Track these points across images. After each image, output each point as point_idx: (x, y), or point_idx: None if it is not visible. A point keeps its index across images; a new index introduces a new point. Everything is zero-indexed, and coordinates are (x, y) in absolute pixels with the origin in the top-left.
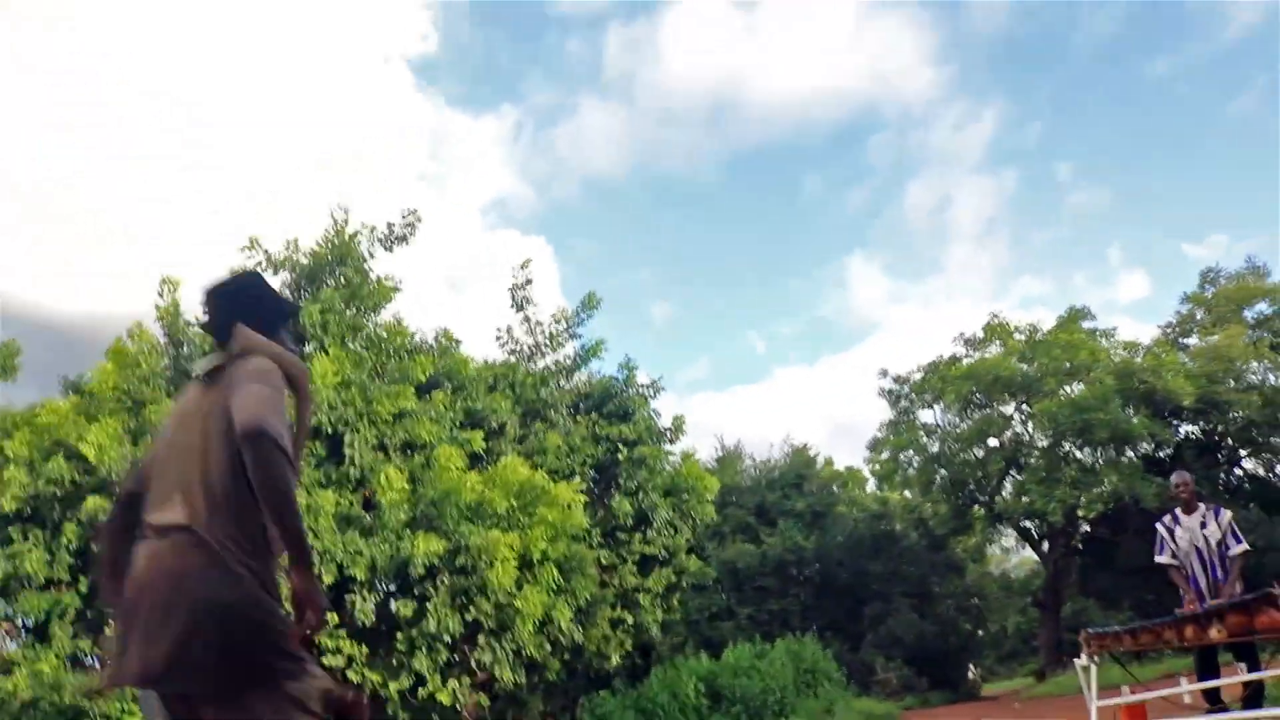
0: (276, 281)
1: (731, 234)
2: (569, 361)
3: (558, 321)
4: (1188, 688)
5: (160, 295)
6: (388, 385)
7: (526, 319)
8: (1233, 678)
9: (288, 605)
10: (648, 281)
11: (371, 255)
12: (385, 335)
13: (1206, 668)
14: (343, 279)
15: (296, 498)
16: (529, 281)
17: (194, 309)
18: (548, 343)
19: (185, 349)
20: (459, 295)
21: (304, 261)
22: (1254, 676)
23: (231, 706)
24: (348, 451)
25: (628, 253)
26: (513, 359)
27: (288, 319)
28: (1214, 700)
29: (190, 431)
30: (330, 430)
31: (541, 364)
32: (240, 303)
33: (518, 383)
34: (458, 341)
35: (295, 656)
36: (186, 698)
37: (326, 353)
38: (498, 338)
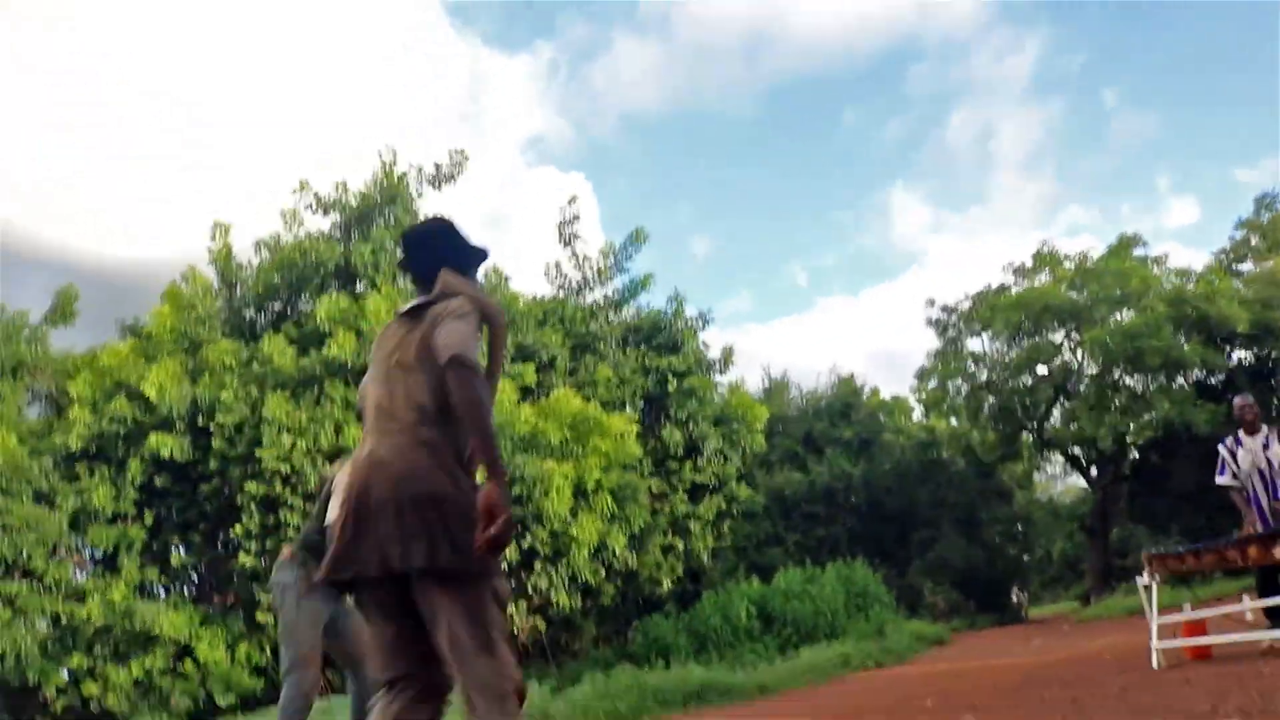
0: (326, 223)
1: (771, 167)
2: (617, 295)
3: (605, 256)
4: (1249, 604)
5: (213, 239)
6: None
7: (574, 254)
8: None
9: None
10: (688, 217)
11: (420, 195)
12: None
13: (1268, 586)
14: (392, 219)
15: (491, 417)
16: (576, 218)
17: (246, 252)
18: (595, 277)
19: (239, 290)
20: (502, 233)
21: (353, 203)
22: None
23: (446, 592)
24: None
25: (667, 188)
26: (561, 294)
27: (480, 261)
28: (1275, 618)
29: (398, 361)
30: None
31: (590, 298)
32: (438, 247)
33: (567, 317)
34: (506, 278)
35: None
36: (401, 592)
37: (379, 291)
38: (546, 273)
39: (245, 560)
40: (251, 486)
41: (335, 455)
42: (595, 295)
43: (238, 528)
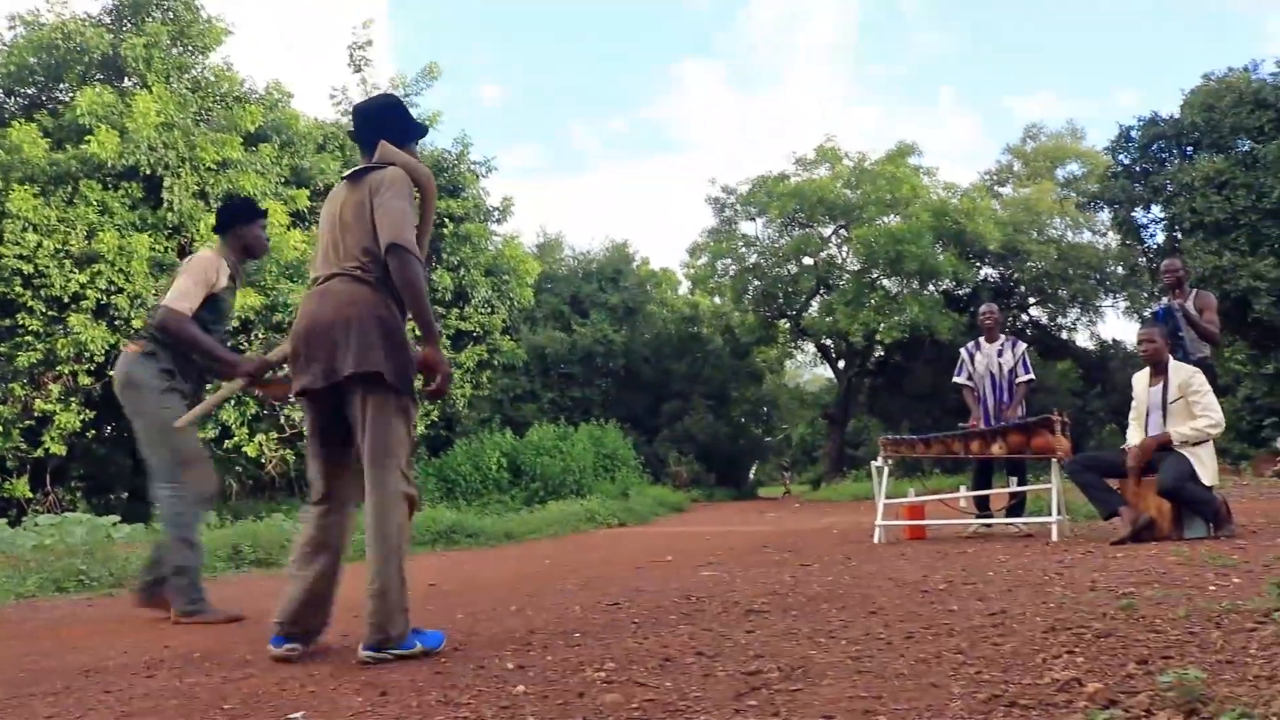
0: (96, 6)
1: (571, 24)
2: None
3: (395, 87)
4: (964, 494)
5: None
6: (213, 132)
7: (363, 81)
8: (1001, 489)
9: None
10: (483, 61)
11: None
12: (213, 79)
13: (981, 479)
14: (171, 14)
15: (426, 292)
16: (369, 42)
17: None
18: None
19: None
20: (288, 48)
21: None
22: (1020, 490)
23: (370, 400)
24: (166, 196)
25: (466, 28)
26: (345, 120)
27: (419, 137)
28: (983, 507)
29: (342, 218)
30: (149, 171)
31: None
32: (382, 120)
33: (348, 145)
34: (289, 95)
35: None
36: (340, 400)
37: (149, 90)
38: (331, 96)
39: None
40: None
41: (89, 260)
42: None
43: None
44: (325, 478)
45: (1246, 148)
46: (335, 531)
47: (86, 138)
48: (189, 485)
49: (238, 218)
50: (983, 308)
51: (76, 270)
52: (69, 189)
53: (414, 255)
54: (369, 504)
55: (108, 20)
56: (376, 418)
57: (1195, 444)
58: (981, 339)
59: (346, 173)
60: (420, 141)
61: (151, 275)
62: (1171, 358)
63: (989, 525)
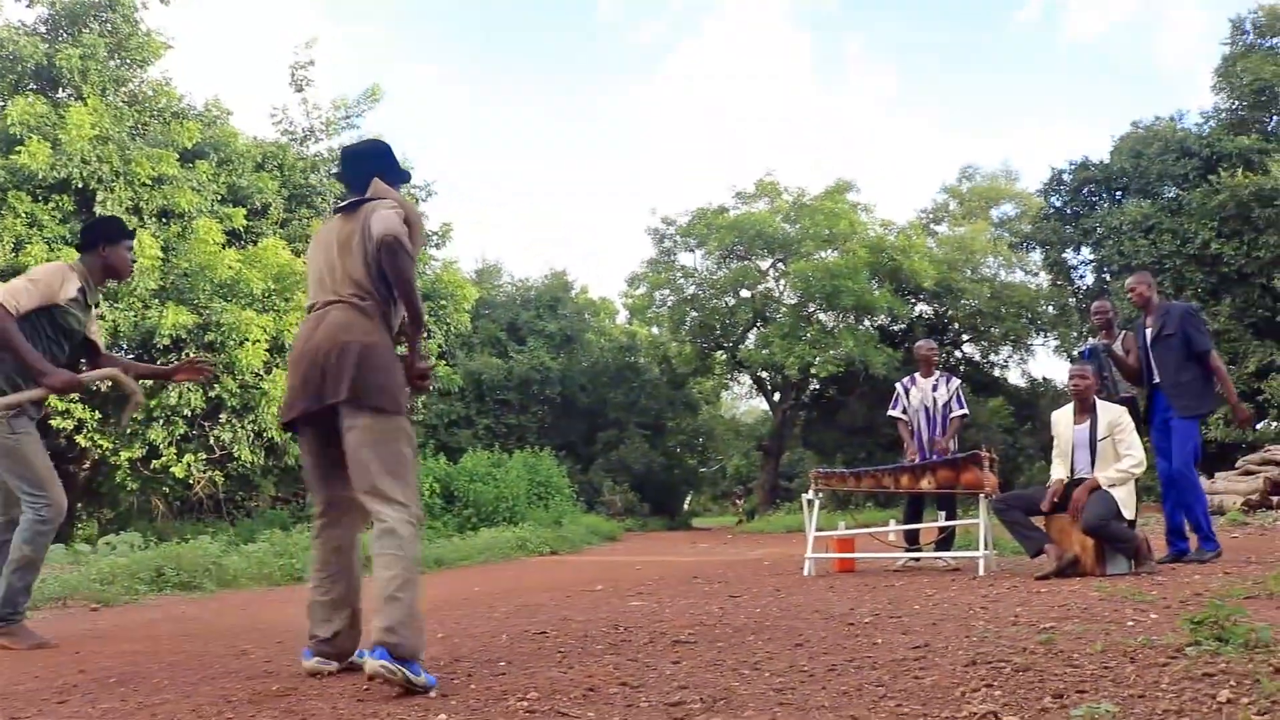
0: (31, 15)
1: (524, 49)
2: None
3: (337, 108)
4: (893, 528)
5: None
6: (149, 147)
7: (305, 100)
8: (931, 524)
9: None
10: (433, 84)
11: (144, 5)
12: (151, 94)
13: (912, 513)
14: (109, 26)
15: (417, 286)
16: (311, 62)
17: None
18: (324, 128)
19: None
20: (232, 67)
21: None
22: (949, 524)
23: (364, 423)
24: (98, 210)
25: (415, 48)
26: (285, 140)
27: (404, 181)
28: (912, 541)
29: (337, 246)
30: (81, 185)
31: (314, 149)
32: (372, 161)
33: (287, 165)
34: (228, 112)
35: (407, 400)
36: (334, 424)
37: (84, 102)
38: (272, 115)
39: None
40: None
41: (15, 273)
42: (320, 147)
43: None
44: (326, 501)
45: (1172, 194)
46: (344, 550)
47: (17, 148)
48: (53, 504)
49: (105, 236)
50: (921, 342)
51: (2, 282)
52: None
53: (405, 249)
54: (385, 519)
55: (43, 30)
56: (378, 440)
57: (1120, 484)
58: (917, 374)
59: (340, 204)
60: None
61: None
62: (1098, 397)
63: (918, 560)
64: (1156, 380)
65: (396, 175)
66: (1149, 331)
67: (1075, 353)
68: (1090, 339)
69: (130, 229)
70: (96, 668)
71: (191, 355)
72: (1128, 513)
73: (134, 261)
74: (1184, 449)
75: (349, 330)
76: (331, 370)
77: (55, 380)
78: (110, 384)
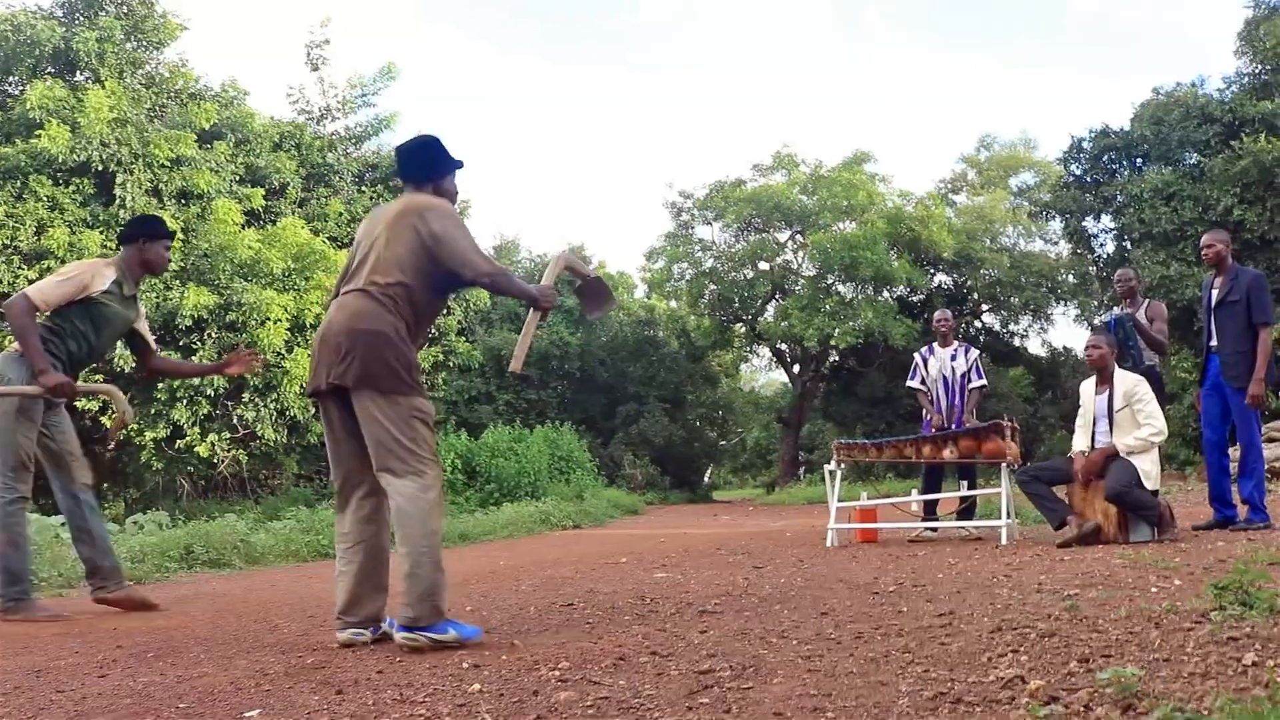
0: (46, 1)
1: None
2: (360, 129)
3: (353, 87)
4: (915, 498)
5: None
6: (167, 129)
7: (321, 80)
8: (950, 494)
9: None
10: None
11: None
12: (168, 75)
13: (931, 483)
14: (125, 9)
15: (511, 282)
16: (326, 41)
17: None
18: (340, 107)
19: None
20: (249, 48)
21: None
22: (970, 494)
23: (377, 403)
24: (118, 193)
25: (422, 27)
26: (301, 119)
27: (457, 169)
28: (929, 511)
29: (385, 237)
30: (101, 167)
31: (330, 128)
32: (425, 155)
33: (304, 144)
34: (245, 93)
35: (419, 382)
36: (346, 403)
37: (102, 85)
38: (289, 95)
39: None
40: None
41: (38, 257)
42: (337, 125)
43: None
44: (345, 475)
45: (1193, 161)
46: (369, 522)
47: (37, 132)
48: (17, 487)
49: (146, 233)
50: (937, 314)
51: (25, 266)
52: (18, 184)
53: (489, 275)
54: (397, 496)
55: (59, 13)
56: (392, 420)
57: (1140, 452)
58: (935, 344)
59: (401, 198)
60: (379, 137)
61: None
62: (1118, 366)
63: (934, 530)
64: (1214, 344)
65: (448, 165)
66: (1215, 293)
67: (1098, 320)
68: (1113, 308)
69: (170, 230)
70: (133, 643)
71: (240, 348)
72: (1150, 483)
73: (170, 260)
74: (1246, 417)
75: (367, 317)
76: (346, 352)
77: (49, 381)
78: (133, 365)
